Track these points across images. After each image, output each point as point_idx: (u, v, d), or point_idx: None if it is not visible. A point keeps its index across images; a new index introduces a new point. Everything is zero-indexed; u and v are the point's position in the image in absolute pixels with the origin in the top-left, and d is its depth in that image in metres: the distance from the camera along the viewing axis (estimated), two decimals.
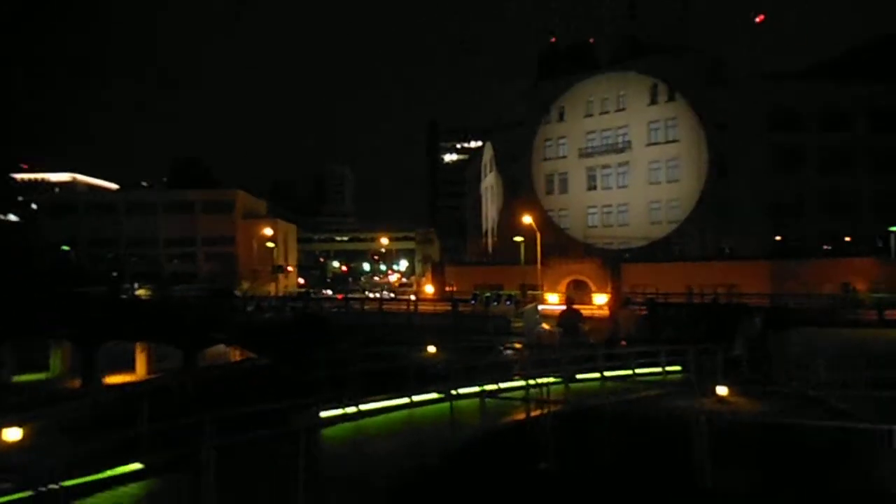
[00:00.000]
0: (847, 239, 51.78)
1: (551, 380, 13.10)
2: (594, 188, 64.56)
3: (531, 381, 11.76)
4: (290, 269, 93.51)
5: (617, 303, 35.55)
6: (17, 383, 34.21)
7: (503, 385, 13.79)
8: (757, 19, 64.64)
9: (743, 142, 54.22)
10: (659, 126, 60.65)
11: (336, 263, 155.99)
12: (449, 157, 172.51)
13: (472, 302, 35.61)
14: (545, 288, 50.56)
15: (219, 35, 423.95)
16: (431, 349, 18.62)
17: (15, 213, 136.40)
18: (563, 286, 53.73)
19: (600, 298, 47.19)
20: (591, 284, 52.38)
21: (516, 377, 14.45)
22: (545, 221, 59.64)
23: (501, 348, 21.96)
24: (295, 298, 43.19)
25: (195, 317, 33.91)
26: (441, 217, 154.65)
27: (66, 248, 78.84)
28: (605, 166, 64.04)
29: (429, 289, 68.48)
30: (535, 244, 49.12)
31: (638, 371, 17.73)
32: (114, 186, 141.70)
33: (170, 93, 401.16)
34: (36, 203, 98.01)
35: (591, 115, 65.43)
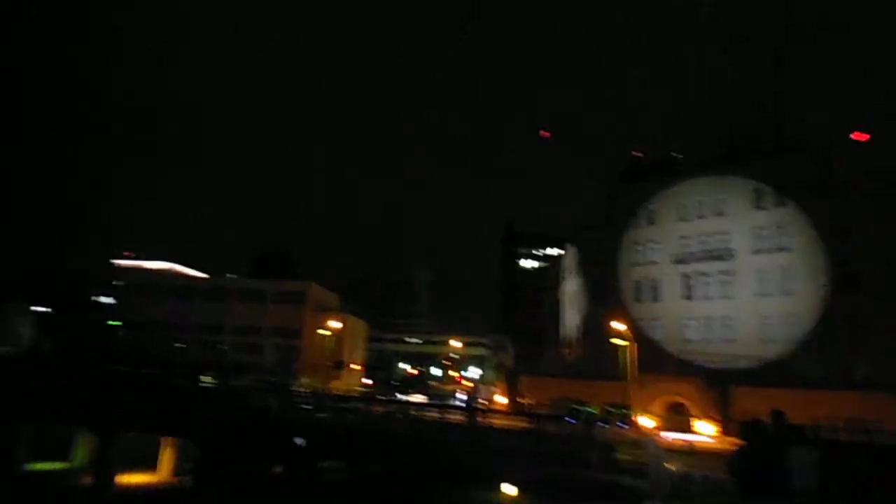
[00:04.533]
0: None
1: None
2: (691, 297, 57.97)
3: None
4: (354, 366, 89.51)
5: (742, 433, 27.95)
6: (30, 472, 30.87)
7: None
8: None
9: (872, 248, 46.93)
10: (767, 232, 54.46)
11: (405, 365, 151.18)
12: (526, 263, 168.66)
13: (568, 420, 28.65)
14: (635, 408, 43.52)
15: (300, 130, 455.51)
16: (509, 489, 13.18)
17: (107, 296, 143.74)
18: (656, 407, 46.37)
19: (703, 426, 39.65)
20: (690, 408, 44.83)
21: None
22: (634, 332, 53.22)
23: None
24: (344, 398, 38.21)
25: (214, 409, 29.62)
26: (516, 324, 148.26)
27: (116, 322, 78.92)
28: (703, 274, 57.71)
29: (500, 399, 62.26)
30: (625, 357, 42.76)
31: None
32: (203, 275, 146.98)
33: (262, 186, 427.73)
34: (121, 286, 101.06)
35: (685, 220, 60.27)
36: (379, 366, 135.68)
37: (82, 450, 34.15)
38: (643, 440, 19.58)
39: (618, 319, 47.72)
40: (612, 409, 37.21)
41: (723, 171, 57.44)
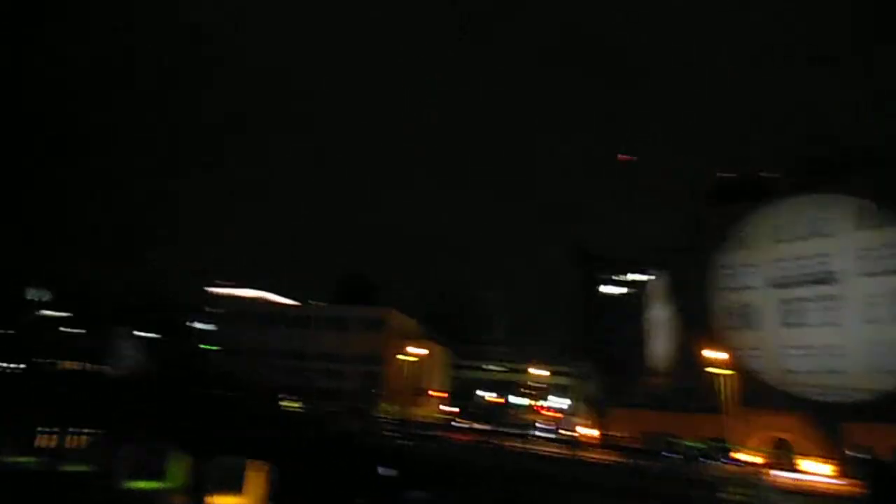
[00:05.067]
0: None
1: None
2: (791, 324, 54.04)
3: None
4: (435, 393, 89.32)
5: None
6: (130, 490, 32.37)
7: None
8: None
9: None
10: (875, 254, 50.18)
11: (485, 393, 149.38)
12: (607, 289, 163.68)
13: (666, 455, 26.35)
14: (733, 443, 40.58)
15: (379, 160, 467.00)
16: None
17: (203, 322, 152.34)
18: (755, 442, 43.13)
19: (812, 465, 36.37)
20: (794, 444, 41.38)
21: None
22: (731, 361, 50.10)
23: None
24: (426, 426, 37.47)
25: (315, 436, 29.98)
26: (599, 352, 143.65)
27: (211, 347, 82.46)
28: (803, 299, 53.75)
29: (585, 430, 60.08)
30: (722, 388, 40.19)
31: None
32: (290, 302, 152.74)
33: (341, 214, 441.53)
34: (216, 313, 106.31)
35: (781, 242, 56.60)
36: (459, 393, 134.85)
37: (178, 471, 35.57)
38: (752, 479, 17.89)
39: (712, 348, 45.07)
40: (713, 444, 34.56)
41: (820, 190, 53.76)
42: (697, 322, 58.78)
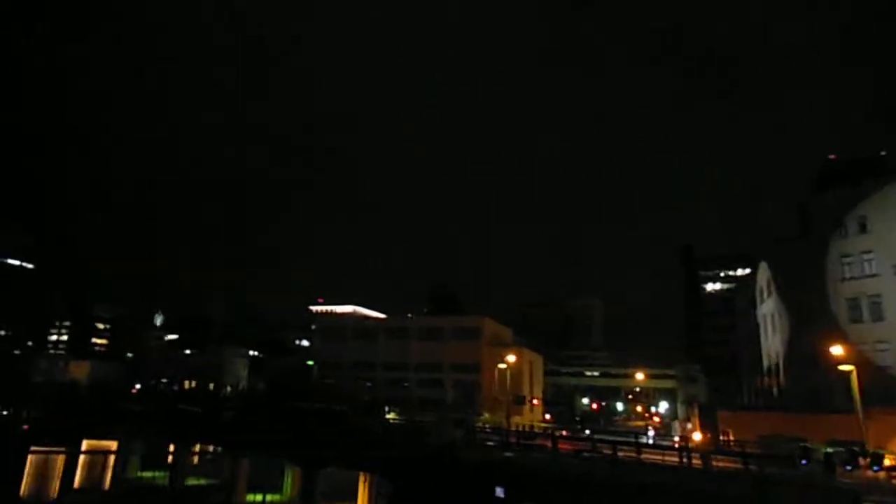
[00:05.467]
0: None
1: None
2: None
3: None
4: (535, 401, 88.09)
5: None
6: (247, 503, 33.92)
7: None
8: None
9: None
10: None
11: (585, 400, 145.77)
12: (710, 287, 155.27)
13: (798, 461, 23.21)
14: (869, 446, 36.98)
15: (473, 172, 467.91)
16: None
17: (304, 339, 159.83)
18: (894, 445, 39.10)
19: None
20: None
21: None
22: (855, 357, 45.93)
23: None
24: (528, 435, 36.33)
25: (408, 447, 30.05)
26: (705, 353, 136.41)
27: (311, 362, 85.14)
28: None
29: (693, 435, 56.97)
30: (852, 386, 36.76)
31: None
32: (382, 315, 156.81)
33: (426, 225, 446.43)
34: (315, 329, 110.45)
35: None
36: (558, 400, 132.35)
37: (291, 483, 37.08)
38: None
39: (833, 343, 41.48)
40: (856, 449, 31.10)
41: None
42: (815, 316, 54.46)
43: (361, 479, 34.99)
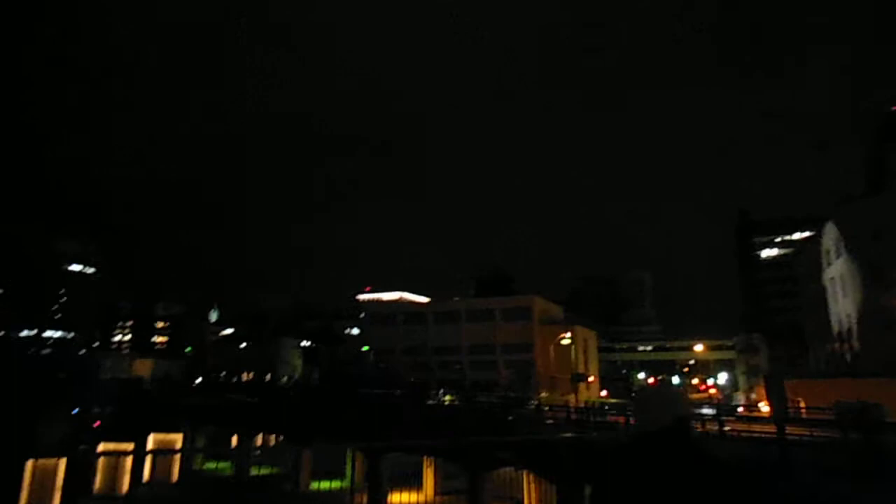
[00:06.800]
0: None
1: None
2: None
3: None
4: (591, 378, 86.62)
5: None
6: (312, 492, 34.03)
7: None
8: None
9: None
10: None
11: (642, 375, 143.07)
12: (766, 253, 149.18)
13: None
14: None
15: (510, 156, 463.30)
16: None
17: (355, 327, 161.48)
18: None
19: None
20: None
21: None
22: None
23: None
24: (584, 410, 35.05)
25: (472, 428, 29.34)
26: (762, 321, 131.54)
27: (365, 348, 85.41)
28: None
29: (763, 407, 54.57)
30: None
31: None
32: (426, 300, 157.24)
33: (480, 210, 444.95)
34: (364, 317, 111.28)
35: None
36: (613, 376, 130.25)
37: (356, 469, 37.08)
38: None
39: None
40: None
41: None
42: (891, 276, 51.27)
43: (426, 463, 34.74)
